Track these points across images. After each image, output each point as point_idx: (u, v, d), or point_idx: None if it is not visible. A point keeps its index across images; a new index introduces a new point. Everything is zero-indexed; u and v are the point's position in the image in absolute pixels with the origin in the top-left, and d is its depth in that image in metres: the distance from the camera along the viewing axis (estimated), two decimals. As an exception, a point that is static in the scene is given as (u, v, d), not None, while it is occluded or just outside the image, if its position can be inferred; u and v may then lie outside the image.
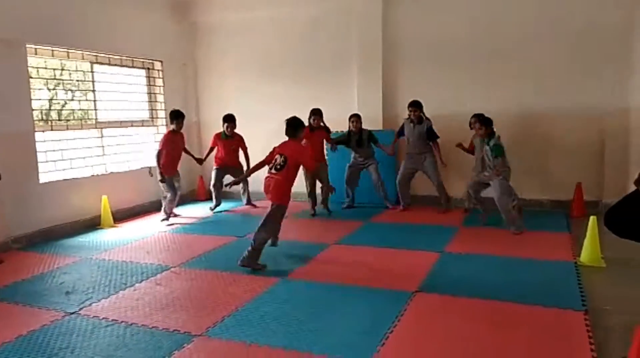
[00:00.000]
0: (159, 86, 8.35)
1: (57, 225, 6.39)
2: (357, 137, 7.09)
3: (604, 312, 3.50)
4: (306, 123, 5.80)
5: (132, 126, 7.83)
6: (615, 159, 6.47)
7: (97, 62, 7.16)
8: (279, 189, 4.78)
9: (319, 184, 7.12)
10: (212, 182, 7.57)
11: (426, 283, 4.19)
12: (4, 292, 4.35)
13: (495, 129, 5.94)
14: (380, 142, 7.10)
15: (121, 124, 7.60)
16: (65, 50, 6.60)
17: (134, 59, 7.85)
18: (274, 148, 4.99)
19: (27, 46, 6.05)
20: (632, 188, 2.35)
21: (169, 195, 6.84)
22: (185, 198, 8.35)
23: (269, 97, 8.35)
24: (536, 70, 6.77)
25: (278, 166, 4.78)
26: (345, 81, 7.83)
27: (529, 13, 6.74)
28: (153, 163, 6.90)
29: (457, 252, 5.07)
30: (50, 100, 7.05)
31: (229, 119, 7.41)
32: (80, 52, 6.81)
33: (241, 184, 7.59)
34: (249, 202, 7.83)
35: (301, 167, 5.07)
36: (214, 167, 7.62)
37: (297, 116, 5.02)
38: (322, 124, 6.97)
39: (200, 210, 7.85)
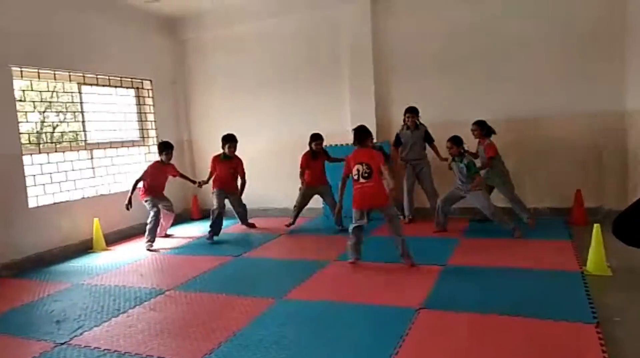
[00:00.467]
0: (149, 105, 8.25)
1: (48, 250, 6.24)
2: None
3: (614, 323, 3.37)
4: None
5: (122, 146, 7.71)
6: (615, 164, 6.38)
7: (84, 83, 7.05)
8: (381, 194, 4.89)
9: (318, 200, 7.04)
10: (215, 206, 6.85)
11: (430, 299, 4.04)
12: (-8, 323, 4.18)
13: (464, 149, 5.97)
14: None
15: (111, 145, 7.47)
16: (52, 71, 6.49)
17: (123, 79, 7.75)
18: (348, 160, 5.07)
19: (12, 68, 5.94)
20: (633, 193, 2.25)
21: (149, 218, 6.67)
22: (180, 217, 8.18)
23: (260, 113, 8.25)
24: (531, 77, 6.69)
25: (365, 174, 4.90)
26: (336, 94, 7.74)
27: (523, 22, 6.66)
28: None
29: (460, 265, 4.94)
30: (42, 122, 6.92)
31: (231, 139, 6.93)
32: (67, 73, 6.70)
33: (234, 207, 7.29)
34: (245, 222, 7.48)
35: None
36: (215, 189, 6.97)
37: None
38: (322, 148, 6.90)
39: (194, 229, 7.69)
